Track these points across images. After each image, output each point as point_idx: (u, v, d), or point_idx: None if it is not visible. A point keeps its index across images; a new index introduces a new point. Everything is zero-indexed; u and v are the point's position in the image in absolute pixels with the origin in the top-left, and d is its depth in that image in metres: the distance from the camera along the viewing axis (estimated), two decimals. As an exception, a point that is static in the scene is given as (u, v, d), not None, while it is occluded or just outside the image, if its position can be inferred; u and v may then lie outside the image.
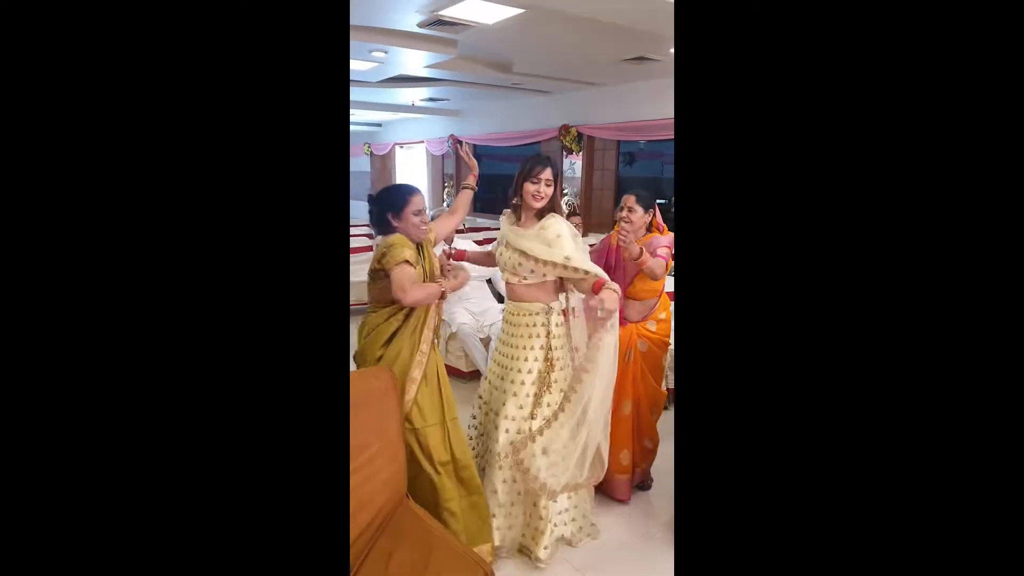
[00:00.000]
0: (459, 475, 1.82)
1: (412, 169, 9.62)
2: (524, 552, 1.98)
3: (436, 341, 1.85)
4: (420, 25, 3.56)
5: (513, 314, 1.97)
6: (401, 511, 1.58)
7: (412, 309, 1.74)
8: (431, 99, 7.10)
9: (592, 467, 1.92)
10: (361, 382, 1.57)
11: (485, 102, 7.23)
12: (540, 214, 1.92)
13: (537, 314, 1.92)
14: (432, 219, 2.04)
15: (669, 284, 2.69)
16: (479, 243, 4.30)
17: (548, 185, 1.87)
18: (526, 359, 1.92)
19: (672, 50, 4.11)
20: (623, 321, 2.28)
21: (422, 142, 8.90)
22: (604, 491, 2.33)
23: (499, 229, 2.06)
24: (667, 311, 2.36)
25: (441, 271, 1.84)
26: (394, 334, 1.74)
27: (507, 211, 2.05)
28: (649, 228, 2.31)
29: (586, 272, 1.82)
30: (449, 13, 3.30)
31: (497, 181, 8.22)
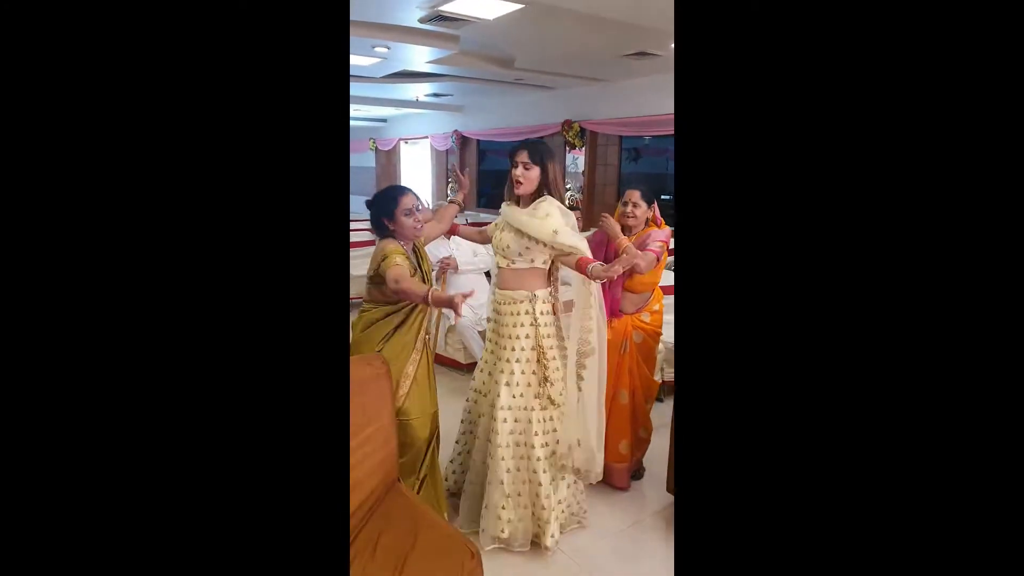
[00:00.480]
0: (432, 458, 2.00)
1: (417, 164, 9.65)
2: (532, 541, 1.99)
3: (428, 339, 1.97)
4: (421, 20, 3.59)
5: (500, 303, 1.99)
6: (392, 494, 1.62)
7: (410, 312, 1.83)
8: (435, 95, 7.13)
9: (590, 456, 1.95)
10: (355, 369, 1.61)
11: (488, 97, 7.26)
12: (535, 197, 1.93)
13: (522, 302, 1.93)
14: (433, 213, 2.13)
15: (665, 278, 2.72)
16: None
17: (527, 168, 1.88)
18: (514, 348, 1.94)
19: (673, 45, 4.12)
20: (619, 313, 2.31)
21: (426, 137, 8.94)
22: (604, 479, 2.36)
23: None
24: (660, 303, 2.39)
25: (440, 271, 1.94)
26: (392, 332, 1.83)
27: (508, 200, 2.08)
28: (646, 223, 2.34)
29: (571, 247, 1.85)
30: (449, 8, 3.32)
31: (500, 177, 8.24)
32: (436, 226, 2.10)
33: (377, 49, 4.31)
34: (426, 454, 1.97)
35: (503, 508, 1.92)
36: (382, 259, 1.76)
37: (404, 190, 1.86)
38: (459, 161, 8.26)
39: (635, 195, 2.25)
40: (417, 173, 9.50)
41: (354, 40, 3.91)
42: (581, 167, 6.34)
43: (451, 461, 2.25)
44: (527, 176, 1.88)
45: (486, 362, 2.10)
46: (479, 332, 3.47)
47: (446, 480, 2.20)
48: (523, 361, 1.94)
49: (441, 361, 3.68)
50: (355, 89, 6.48)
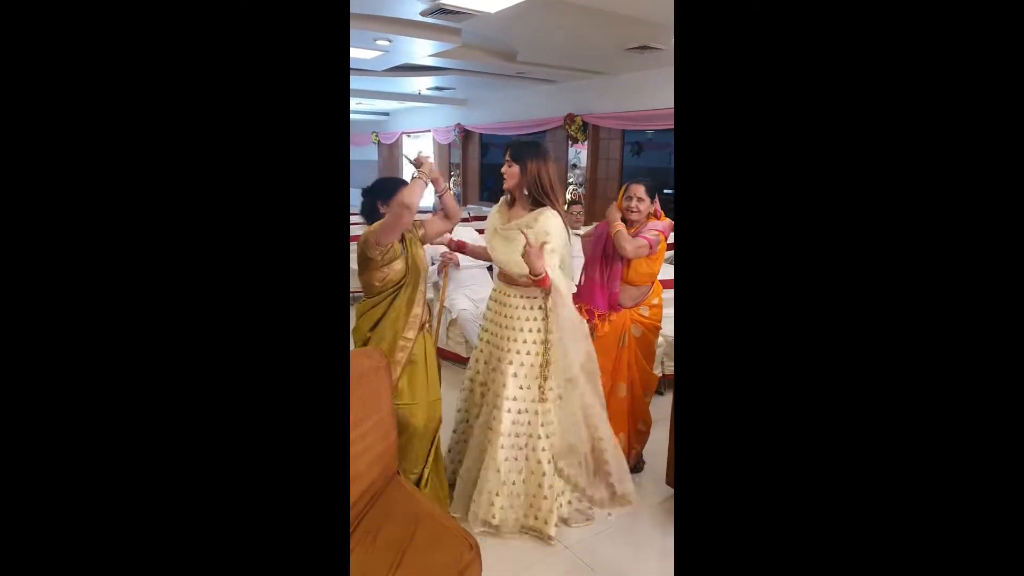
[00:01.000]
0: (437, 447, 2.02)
1: (419, 158, 9.64)
2: (531, 532, 2.02)
3: (428, 328, 1.98)
4: (422, 13, 3.58)
5: (507, 295, 2.01)
6: (391, 487, 1.63)
7: (394, 299, 1.85)
8: (437, 88, 7.11)
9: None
10: (354, 362, 1.62)
11: (490, 91, 7.24)
12: (530, 197, 1.96)
13: (535, 297, 1.97)
14: (435, 206, 2.14)
15: (664, 272, 2.72)
16: (482, 232, 4.33)
17: (509, 165, 1.95)
18: (524, 340, 1.97)
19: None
20: (618, 307, 2.32)
21: (429, 131, 8.93)
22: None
23: None
24: (659, 297, 2.39)
25: (442, 266, 1.94)
26: (379, 320, 1.87)
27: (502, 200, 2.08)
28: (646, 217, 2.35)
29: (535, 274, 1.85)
30: (450, 1, 3.31)
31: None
32: (445, 222, 2.08)
33: (379, 42, 4.30)
34: (431, 447, 1.97)
35: (496, 495, 1.95)
36: (363, 241, 1.80)
37: (405, 183, 1.87)
38: (462, 155, 8.25)
39: (640, 190, 2.26)
40: (419, 167, 9.49)
41: (355, 33, 3.91)
42: (583, 161, 6.33)
43: (448, 450, 2.27)
44: (509, 172, 1.96)
45: (481, 351, 2.12)
46: (480, 326, 3.48)
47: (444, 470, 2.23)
48: (532, 354, 1.97)
49: (442, 355, 3.69)
50: (357, 83, 6.47)
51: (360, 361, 1.62)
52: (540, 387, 1.96)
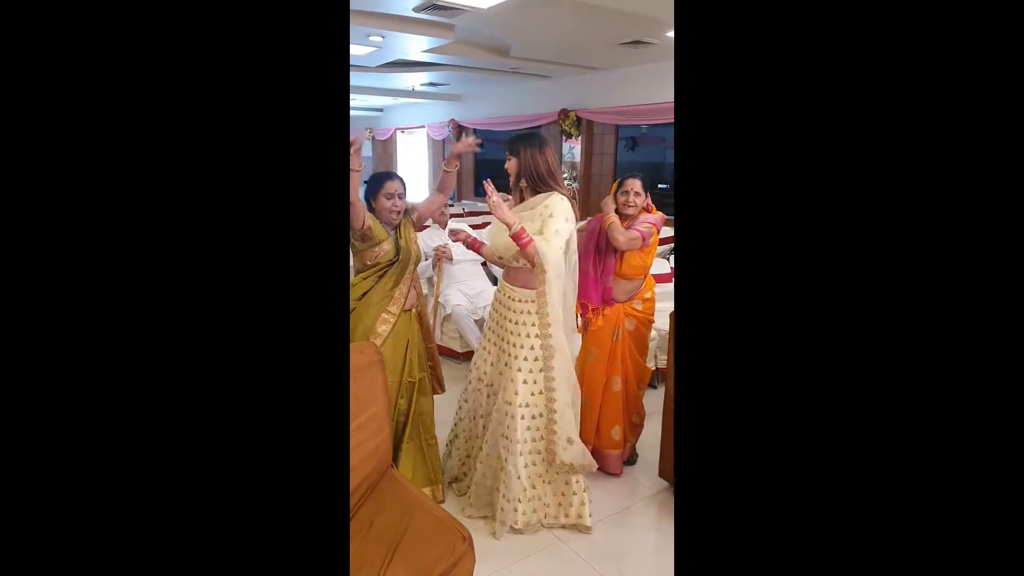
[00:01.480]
0: (415, 421, 2.14)
1: (414, 154, 9.63)
2: (568, 529, 2.06)
3: (415, 310, 2.14)
4: (415, 9, 3.57)
5: (510, 295, 1.98)
6: (386, 480, 1.64)
7: (382, 275, 2.02)
8: (431, 84, 7.10)
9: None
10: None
11: (485, 86, 7.23)
12: (531, 188, 1.97)
13: (531, 301, 1.93)
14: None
15: (656, 267, 2.74)
16: (476, 227, 4.35)
17: (508, 159, 1.98)
18: (528, 335, 1.94)
19: (668, 33, 4.11)
20: (611, 301, 2.34)
21: (423, 127, 8.91)
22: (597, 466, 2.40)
23: None
24: (652, 291, 2.41)
25: (436, 260, 2.03)
26: (366, 292, 2.02)
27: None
28: None
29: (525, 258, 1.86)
30: (443, -3, 3.31)
31: (497, 166, 8.21)
32: (438, 195, 2.23)
33: (372, 38, 4.29)
34: (406, 422, 2.09)
35: (519, 501, 1.96)
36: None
37: (392, 176, 2.06)
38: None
39: (636, 184, 2.28)
40: (414, 162, 9.48)
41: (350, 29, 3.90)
42: (578, 156, 6.34)
43: (449, 443, 2.27)
44: (509, 166, 2.00)
45: (488, 352, 2.09)
46: (475, 321, 3.49)
47: (443, 466, 2.24)
48: (540, 359, 1.95)
49: (438, 350, 3.70)
50: (351, 78, 6.45)
51: (354, 357, 1.63)
52: (550, 389, 1.94)
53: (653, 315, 2.43)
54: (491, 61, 5.16)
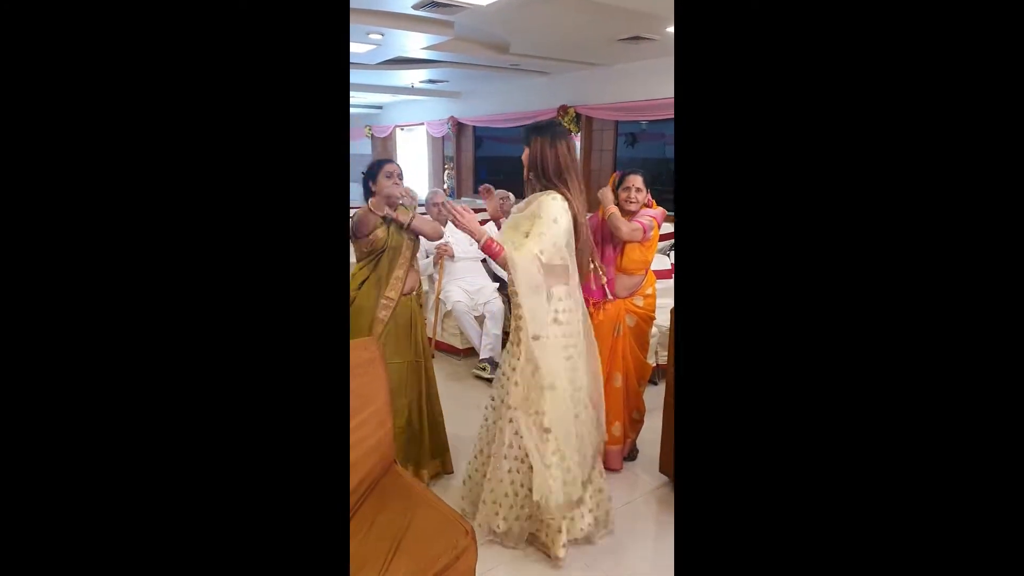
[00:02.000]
0: (417, 405, 2.23)
1: (413, 151, 9.62)
2: (540, 549, 1.91)
3: (416, 296, 2.23)
4: (415, 7, 3.57)
5: (514, 297, 1.84)
6: (389, 477, 1.65)
7: (377, 263, 2.11)
8: (431, 81, 7.09)
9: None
10: (350, 354, 1.64)
11: (484, 83, 7.22)
12: (536, 182, 1.82)
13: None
14: (427, 199, 2.34)
15: (656, 262, 2.75)
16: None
17: (524, 151, 1.85)
18: (516, 356, 1.80)
19: (668, 29, 4.11)
20: (613, 296, 2.34)
21: (422, 124, 8.91)
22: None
23: None
24: (653, 287, 2.42)
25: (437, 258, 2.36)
26: (365, 279, 2.11)
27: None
28: None
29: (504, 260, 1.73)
30: (442, -6, 3.31)
31: (496, 163, 8.23)
32: (430, 222, 2.27)
33: (371, 36, 4.28)
34: (405, 410, 2.15)
35: (498, 505, 1.88)
36: (354, 220, 2.08)
37: (390, 160, 2.17)
38: (456, 148, 8.24)
39: (637, 180, 2.28)
40: (413, 160, 9.47)
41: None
42: (577, 153, 6.32)
43: (474, 457, 2.10)
44: (524, 156, 1.84)
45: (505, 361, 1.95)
46: (475, 317, 3.50)
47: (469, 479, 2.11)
48: (524, 369, 1.78)
49: (437, 347, 3.71)
50: (350, 76, 6.45)
51: (356, 353, 1.64)
52: (533, 400, 1.78)
53: (654, 311, 2.44)
54: (490, 58, 5.15)
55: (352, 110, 9.96)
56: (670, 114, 5.04)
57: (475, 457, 2.06)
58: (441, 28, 4.09)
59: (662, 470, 2.37)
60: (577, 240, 1.84)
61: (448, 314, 3.58)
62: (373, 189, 2.10)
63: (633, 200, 2.27)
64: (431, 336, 3.54)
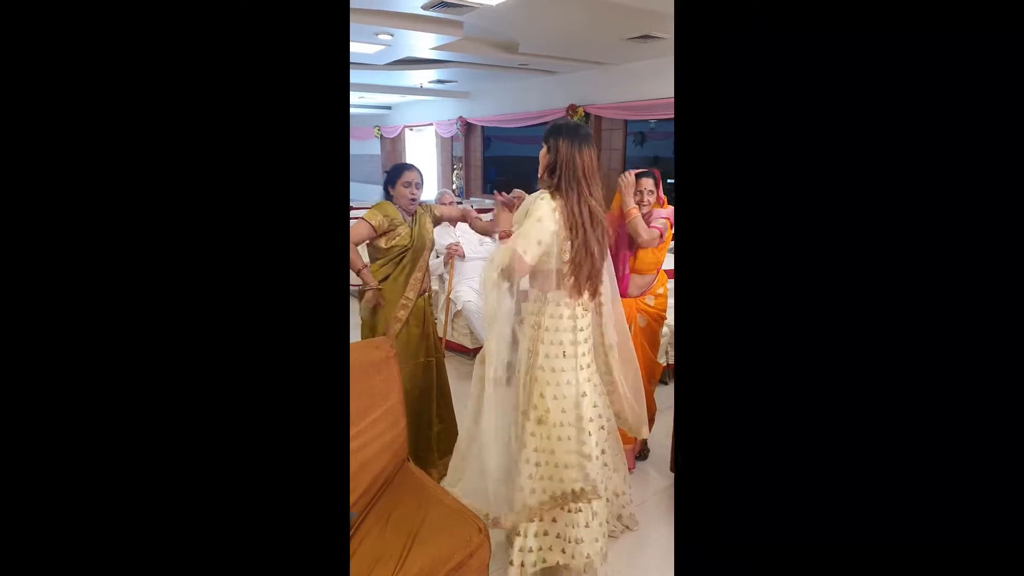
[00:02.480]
0: (434, 406, 2.26)
1: (422, 151, 9.65)
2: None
3: (428, 296, 2.26)
4: (424, 7, 3.58)
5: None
6: (402, 474, 1.66)
7: (398, 262, 2.13)
8: (439, 81, 7.10)
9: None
10: (363, 352, 1.65)
11: (493, 83, 7.23)
12: (549, 181, 1.67)
13: (534, 301, 1.73)
14: (437, 199, 2.34)
15: (667, 262, 2.74)
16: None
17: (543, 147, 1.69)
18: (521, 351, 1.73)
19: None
20: (624, 296, 2.34)
21: (431, 124, 8.93)
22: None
23: None
24: (664, 286, 2.42)
25: (447, 258, 2.38)
26: (386, 277, 2.13)
27: None
28: None
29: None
30: (452, -6, 3.32)
31: (505, 163, 8.24)
32: (450, 207, 2.39)
33: (380, 36, 4.30)
34: (417, 412, 2.16)
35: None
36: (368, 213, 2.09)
37: (411, 167, 2.17)
38: (464, 148, 8.25)
39: (648, 183, 2.29)
40: (422, 160, 9.50)
41: (357, 27, 3.92)
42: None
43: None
44: (542, 156, 1.68)
45: None
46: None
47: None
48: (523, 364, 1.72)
49: (448, 346, 3.72)
50: (359, 76, 6.47)
51: (369, 352, 1.65)
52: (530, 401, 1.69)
53: (665, 311, 2.44)
54: (499, 58, 5.16)
55: (361, 111, 10.00)
56: (679, 113, 5.02)
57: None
58: (450, 28, 4.11)
59: (673, 469, 2.36)
60: (589, 245, 1.68)
61: (458, 314, 3.59)
62: (391, 193, 2.13)
63: (645, 203, 2.28)
64: (441, 335, 3.55)
